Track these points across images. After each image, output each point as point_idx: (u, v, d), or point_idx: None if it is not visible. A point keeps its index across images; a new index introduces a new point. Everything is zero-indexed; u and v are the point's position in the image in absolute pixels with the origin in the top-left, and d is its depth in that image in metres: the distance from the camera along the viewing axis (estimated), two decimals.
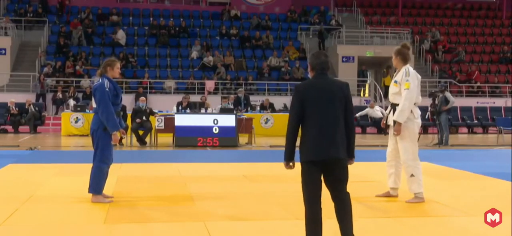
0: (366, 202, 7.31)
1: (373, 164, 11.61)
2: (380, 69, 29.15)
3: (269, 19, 30.12)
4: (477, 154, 14.54)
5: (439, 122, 16.48)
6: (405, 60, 7.16)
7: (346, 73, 27.11)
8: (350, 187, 8.50)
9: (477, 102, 25.53)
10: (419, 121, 7.15)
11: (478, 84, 27.39)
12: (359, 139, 19.64)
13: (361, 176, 9.72)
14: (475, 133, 23.48)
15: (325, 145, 4.62)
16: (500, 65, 29.10)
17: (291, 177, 9.56)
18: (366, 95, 29.26)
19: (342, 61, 27.42)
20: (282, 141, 16.64)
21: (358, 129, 22.19)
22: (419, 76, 7.24)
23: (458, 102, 22.99)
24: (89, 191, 7.03)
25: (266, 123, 19.96)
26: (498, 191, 8.31)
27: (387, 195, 7.43)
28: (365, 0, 33.07)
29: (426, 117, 21.24)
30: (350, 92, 4.82)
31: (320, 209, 4.74)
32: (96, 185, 7.01)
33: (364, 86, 30.53)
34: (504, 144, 17.31)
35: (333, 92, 4.70)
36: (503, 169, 10.51)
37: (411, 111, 6.99)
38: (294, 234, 5.68)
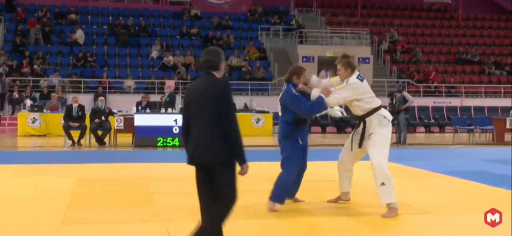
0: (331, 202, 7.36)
1: (334, 163, 11.71)
2: None
3: (230, 19, 30.10)
4: (435, 153, 14.79)
5: (397, 122, 16.70)
6: (353, 70, 6.68)
7: (307, 73, 27.17)
8: (313, 188, 8.51)
9: (434, 102, 25.96)
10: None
11: (435, 84, 27.87)
12: (319, 138, 19.77)
13: (324, 174, 9.80)
14: (432, 132, 23.88)
15: (193, 149, 4.45)
16: (456, 66, 29.67)
17: (252, 176, 9.59)
18: None
19: (303, 61, 27.53)
20: (243, 140, 16.60)
21: (317, 129, 22.35)
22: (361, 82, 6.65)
23: (415, 101, 23.32)
24: (270, 199, 6.69)
25: None
26: (457, 190, 8.48)
27: (338, 200, 7.15)
28: (325, 1, 33.32)
29: None
30: (229, 91, 4.48)
31: (203, 218, 4.57)
32: (279, 194, 6.65)
33: None
34: (460, 143, 17.65)
35: (206, 93, 4.43)
36: (459, 168, 10.72)
37: (385, 117, 6.59)
38: (258, 233, 5.68)
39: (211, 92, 4.41)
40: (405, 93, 16.94)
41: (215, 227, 4.47)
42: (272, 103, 22.92)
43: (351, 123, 22.07)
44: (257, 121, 20.22)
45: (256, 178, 9.60)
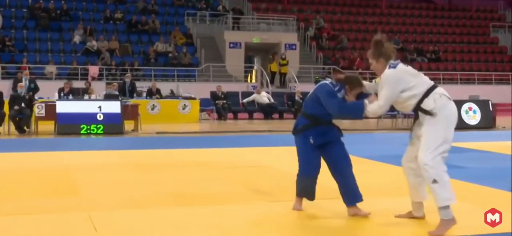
0: (260, 188, 7.40)
1: (262, 149, 11.84)
2: (266, 55, 29.55)
3: (155, 4, 29.61)
4: (359, 138, 15.02)
5: None
6: (388, 58, 5.34)
7: (233, 59, 27.27)
8: (242, 172, 8.45)
9: None
10: None
11: (360, 70, 28.41)
12: (246, 124, 19.81)
13: (252, 161, 9.88)
14: None
15: None
16: None
17: (177, 164, 9.49)
18: (253, 81, 29.59)
19: (229, 47, 27.52)
20: (169, 127, 16.52)
21: (245, 115, 22.39)
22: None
23: None
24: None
25: (152, 109, 19.64)
26: (382, 174, 8.66)
27: (410, 215, 5.61)
28: None
29: None
30: None
31: None
32: (300, 190, 5.88)
33: (251, 72, 30.87)
34: (384, 128, 18.09)
35: None
36: (384, 152, 10.95)
37: (442, 94, 5.18)
38: (180, 221, 5.60)
39: None
40: (327, 80, 17.07)
41: None
42: (199, 89, 22.84)
43: (278, 109, 22.23)
44: (183, 107, 20.01)
45: (179, 165, 9.51)
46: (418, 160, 5.01)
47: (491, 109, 18.67)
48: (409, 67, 5.28)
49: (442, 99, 5.08)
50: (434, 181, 4.92)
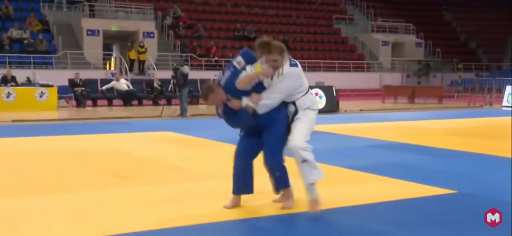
0: (119, 173, 7.65)
1: (121, 135, 12.01)
2: (125, 43, 29.73)
3: None
4: (216, 123, 15.60)
5: (180, 94, 17.64)
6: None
7: (91, 47, 27.19)
8: (101, 158, 8.80)
9: (215, 75, 27.35)
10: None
11: (216, 58, 29.49)
12: (105, 111, 19.86)
13: (112, 147, 10.16)
14: None
15: None
16: (234, 42, 31.65)
17: (35, 152, 9.43)
18: (112, 68, 29.65)
19: (87, 34, 27.39)
20: (26, 115, 16.18)
21: (104, 102, 22.54)
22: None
23: (198, 75, 24.61)
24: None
25: (7, 97, 19.34)
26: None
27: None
28: None
29: (169, 88, 22.46)
30: None
31: None
32: (233, 182, 5.76)
33: (110, 60, 30.88)
34: None
35: None
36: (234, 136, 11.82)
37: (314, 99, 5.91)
38: (37, 209, 5.58)
39: None
40: (182, 68, 17.68)
41: None
42: (57, 77, 22.64)
43: (137, 95, 22.61)
44: (40, 95, 19.86)
45: (37, 153, 9.34)
46: (291, 144, 5.42)
47: (334, 94, 20.17)
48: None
49: (315, 97, 5.84)
50: (304, 160, 5.37)
